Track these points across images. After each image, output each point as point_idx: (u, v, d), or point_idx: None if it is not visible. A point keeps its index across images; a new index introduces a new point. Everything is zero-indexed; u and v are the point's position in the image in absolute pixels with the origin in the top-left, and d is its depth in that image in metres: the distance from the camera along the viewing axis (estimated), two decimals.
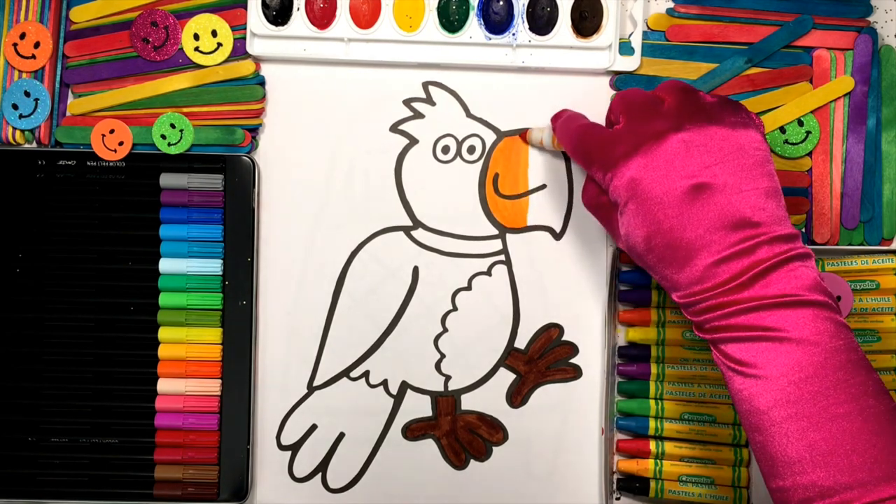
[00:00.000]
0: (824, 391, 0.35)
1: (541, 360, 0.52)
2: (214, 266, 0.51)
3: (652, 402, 0.51)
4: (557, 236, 0.52)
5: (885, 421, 0.35)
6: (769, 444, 0.37)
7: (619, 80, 0.52)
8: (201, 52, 0.51)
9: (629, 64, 0.51)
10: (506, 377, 0.52)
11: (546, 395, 0.52)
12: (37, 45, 0.50)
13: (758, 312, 0.37)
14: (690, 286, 0.38)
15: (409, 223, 0.52)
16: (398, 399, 0.52)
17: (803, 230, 0.52)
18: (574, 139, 0.45)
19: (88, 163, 0.51)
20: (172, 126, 0.50)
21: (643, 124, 0.40)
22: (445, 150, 0.52)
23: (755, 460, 0.50)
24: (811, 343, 0.36)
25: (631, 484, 0.51)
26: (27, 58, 0.50)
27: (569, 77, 0.52)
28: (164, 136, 0.50)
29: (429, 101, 0.52)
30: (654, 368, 0.51)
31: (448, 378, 0.52)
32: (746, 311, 0.37)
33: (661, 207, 0.38)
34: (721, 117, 0.39)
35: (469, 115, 0.52)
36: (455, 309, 0.52)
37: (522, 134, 0.52)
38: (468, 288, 0.52)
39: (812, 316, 0.36)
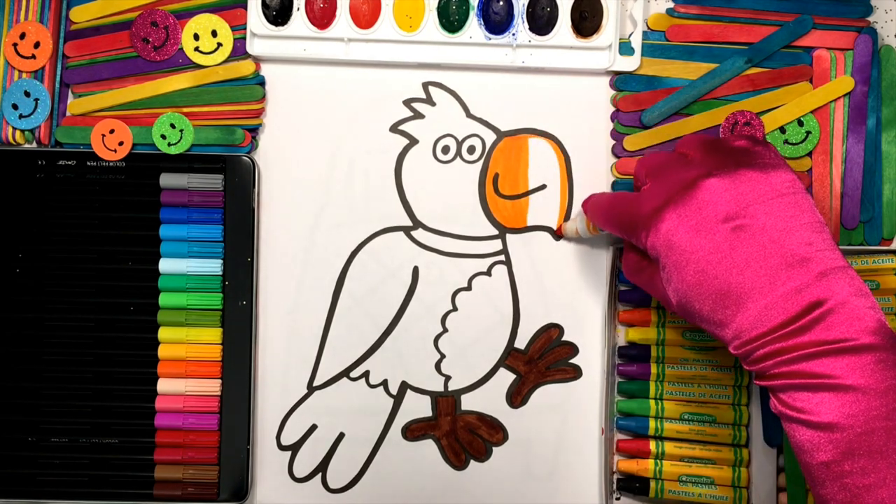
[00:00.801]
0: (892, 443, 0.33)
1: (541, 361, 0.52)
2: (214, 266, 0.51)
3: (652, 402, 0.51)
4: (557, 236, 0.52)
5: None
6: (832, 500, 0.35)
7: (619, 80, 0.52)
8: (201, 52, 0.51)
9: (629, 64, 0.51)
10: (506, 377, 0.52)
11: (546, 396, 0.52)
12: (37, 45, 0.50)
13: (819, 359, 0.34)
14: (746, 333, 0.36)
15: (409, 223, 0.52)
16: (398, 399, 0.52)
17: None
18: (606, 213, 0.43)
19: (88, 163, 0.51)
20: (172, 126, 0.50)
21: (670, 177, 0.39)
22: (445, 150, 0.52)
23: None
24: (877, 392, 0.34)
25: (631, 484, 0.51)
26: (27, 58, 0.50)
27: (569, 77, 0.52)
28: (164, 136, 0.50)
29: (429, 101, 0.52)
30: (654, 368, 0.51)
31: (448, 378, 0.52)
32: (806, 357, 0.35)
33: (704, 254, 0.37)
34: (750, 160, 0.38)
35: (469, 115, 0.52)
36: (455, 309, 0.52)
37: (557, 230, 0.52)
38: (468, 288, 0.52)
39: (875, 361, 0.34)
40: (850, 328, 0.34)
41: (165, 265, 0.50)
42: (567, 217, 0.52)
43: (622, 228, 0.42)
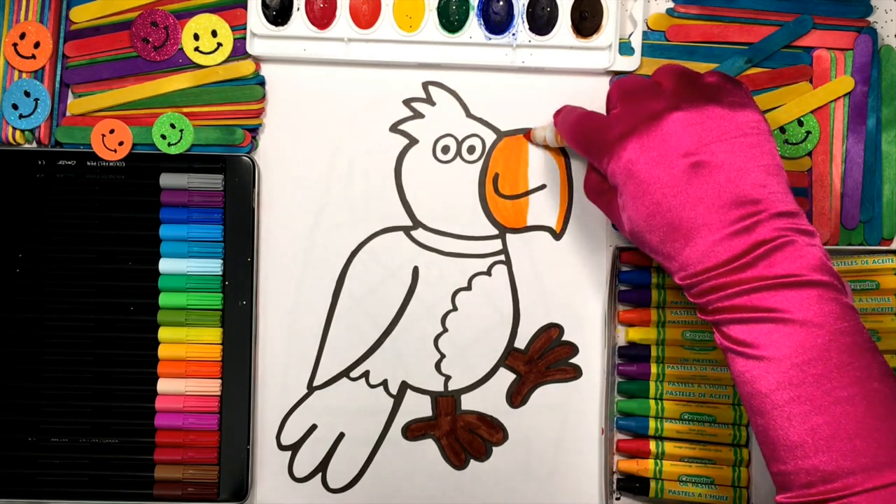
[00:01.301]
0: (828, 374, 0.35)
1: (541, 360, 0.52)
2: (214, 266, 0.51)
3: (652, 402, 0.51)
4: (557, 236, 0.52)
5: (889, 405, 0.34)
6: (771, 428, 0.36)
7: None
8: (201, 52, 0.51)
9: (629, 64, 0.51)
10: (506, 377, 0.52)
11: (546, 395, 0.52)
12: (37, 45, 0.50)
13: (761, 293, 0.36)
14: (692, 266, 0.37)
15: (409, 223, 0.52)
16: (398, 399, 0.52)
17: None
18: (572, 128, 0.45)
19: (88, 163, 0.51)
20: (172, 126, 0.50)
21: (640, 106, 0.40)
22: (445, 150, 0.52)
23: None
24: (815, 325, 0.35)
25: (631, 484, 0.51)
26: (27, 58, 0.50)
27: (569, 77, 0.52)
28: (164, 136, 0.50)
29: (429, 101, 0.52)
30: (654, 368, 0.51)
31: (448, 378, 0.52)
32: (749, 291, 0.36)
33: (660, 187, 0.38)
34: (719, 97, 0.39)
35: (469, 115, 0.52)
36: (455, 309, 0.52)
37: (526, 134, 0.52)
38: (468, 288, 0.52)
39: (816, 297, 0.35)
40: (794, 265, 0.36)
41: (165, 265, 0.50)
42: (567, 217, 0.52)
43: (586, 148, 0.43)
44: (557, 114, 0.48)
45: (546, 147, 0.52)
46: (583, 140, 0.43)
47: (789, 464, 0.36)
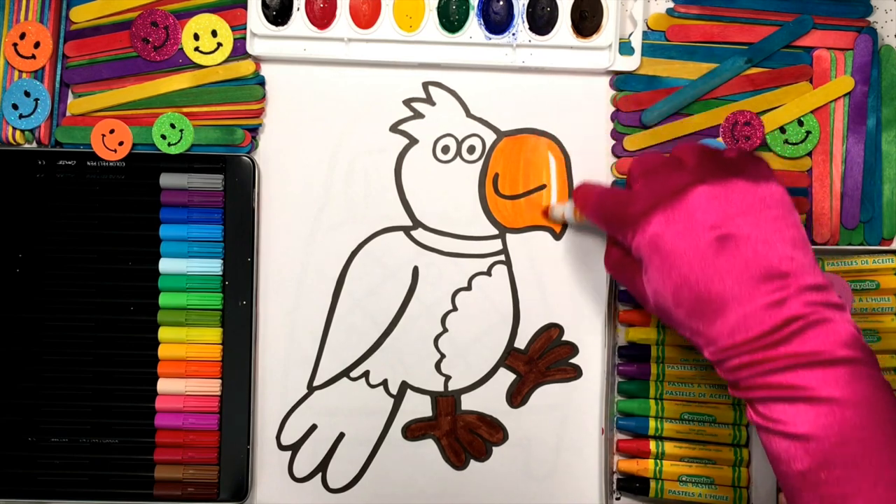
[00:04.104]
0: (866, 454, 0.34)
1: (541, 360, 0.52)
2: (214, 266, 0.51)
3: (652, 402, 0.51)
4: (557, 236, 0.52)
5: None
6: None
7: (619, 80, 0.52)
8: (201, 52, 0.51)
9: (629, 64, 0.51)
10: (506, 377, 0.52)
11: (546, 395, 0.52)
12: (37, 45, 0.50)
13: (795, 371, 0.35)
14: (722, 341, 0.37)
15: (409, 223, 0.52)
16: (398, 399, 0.52)
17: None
18: (594, 204, 0.44)
19: (88, 163, 0.51)
20: (172, 126, 0.50)
21: (663, 181, 0.39)
22: (445, 150, 0.52)
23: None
24: (851, 403, 0.34)
25: (631, 484, 0.51)
26: (27, 58, 0.50)
27: (569, 77, 0.52)
28: (164, 136, 0.50)
29: (429, 101, 0.52)
30: (654, 368, 0.51)
31: (448, 378, 0.52)
32: (783, 369, 0.35)
33: (687, 260, 0.37)
34: (742, 170, 0.39)
35: (469, 115, 0.52)
36: (455, 309, 0.52)
37: (543, 210, 0.52)
38: (468, 288, 0.52)
39: (849, 374, 0.35)
40: (826, 341, 0.35)
41: (165, 265, 0.50)
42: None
43: (609, 224, 0.42)
44: (577, 190, 0.47)
45: (564, 223, 0.51)
46: (605, 215, 0.43)
47: None
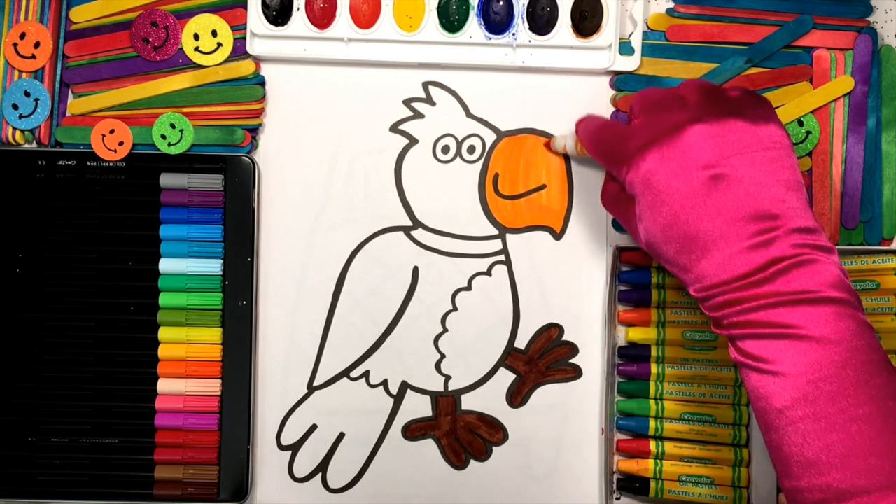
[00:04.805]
0: (844, 391, 0.34)
1: (541, 360, 0.52)
2: (214, 266, 0.51)
3: (652, 402, 0.51)
4: (557, 236, 0.52)
5: None
6: (785, 444, 0.36)
7: (619, 80, 0.52)
8: (201, 52, 0.51)
9: (629, 64, 0.51)
10: (506, 377, 0.52)
11: (546, 395, 0.52)
12: (37, 45, 0.50)
13: (777, 309, 0.36)
14: (707, 279, 0.37)
15: (409, 223, 0.52)
16: (398, 399, 0.52)
17: None
18: (593, 136, 0.44)
19: (88, 163, 0.51)
20: (172, 126, 0.50)
21: (661, 117, 0.39)
22: (445, 149, 0.52)
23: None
24: (832, 342, 0.35)
25: (631, 484, 0.51)
26: (27, 58, 0.50)
27: (569, 77, 0.52)
28: (164, 136, 0.50)
29: (429, 101, 0.52)
30: (654, 368, 0.51)
31: (448, 378, 0.52)
32: (765, 307, 0.36)
33: (678, 198, 0.37)
34: (742, 110, 0.39)
35: (469, 115, 0.52)
36: (455, 309, 0.52)
37: (546, 142, 0.52)
38: (468, 288, 0.52)
39: (833, 314, 0.35)
40: (811, 282, 0.35)
41: (165, 265, 0.50)
42: (567, 217, 0.52)
43: (606, 157, 0.42)
44: (580, 122, 0.47)
45: (566, 154, 0.52)
46: (603, 149, 0.43)
47: (802, 480, 0.35)
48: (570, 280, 0.52)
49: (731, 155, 0.37)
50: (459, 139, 0.52)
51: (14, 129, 0.51)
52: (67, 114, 0.51)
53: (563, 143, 0.50)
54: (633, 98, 0.44)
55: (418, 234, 0.52)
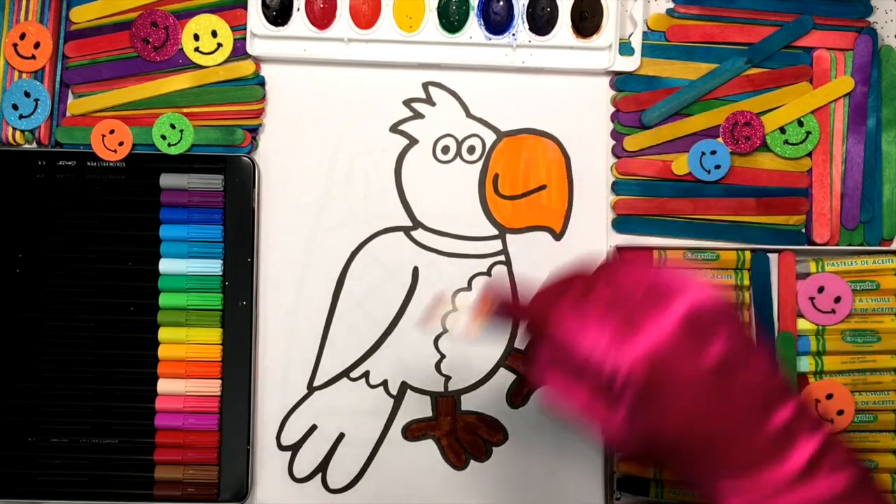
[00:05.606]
0: None
1: None
2: (214, 266, 0.51)
3: None
4: (557, 236, 0.52)
5: None
6: None
7: (619, 80, 0.52)
8: (201, 52, 0.51)
9: (629, 64, 0.51)
10: (506, 377, 0.52)
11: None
12: (37, 45, 0.50)
13: None
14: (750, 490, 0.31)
15: (409, 223, 0.52)
16: (398, 399, 0.52)
17: (803, 230, 0.52)
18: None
19: (88, 163, 0.51)
20: (172, 126, 0.50)
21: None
22: (445, 150, 0.52)
23: None
24: None
25: (631, 484, 0.51)
26: (27, 58, 0.50)
27: (569, 77, 0.52)
28: (164, 137, 0.50)
29: (429, 101, 0.52)
30: None
31: (448, 378, 0.52)
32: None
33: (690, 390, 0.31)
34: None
35: (469, 115, 0.52)
36: (455, 309, 0.52)
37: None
38: (468, 288, 0.52)
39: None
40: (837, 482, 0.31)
41: (165, 265, 0.50)
42: (567, 217, 0.52)
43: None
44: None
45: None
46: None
47: None
48: None
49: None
50: (459, 139, 0.52)
51: (14, 129, 0.50)
52: (67, 114, 0.51)
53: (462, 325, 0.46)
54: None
55: (418, 234, 0.52)
